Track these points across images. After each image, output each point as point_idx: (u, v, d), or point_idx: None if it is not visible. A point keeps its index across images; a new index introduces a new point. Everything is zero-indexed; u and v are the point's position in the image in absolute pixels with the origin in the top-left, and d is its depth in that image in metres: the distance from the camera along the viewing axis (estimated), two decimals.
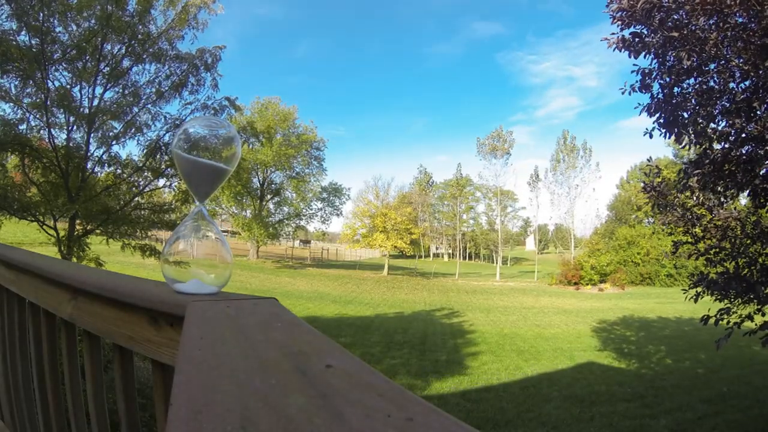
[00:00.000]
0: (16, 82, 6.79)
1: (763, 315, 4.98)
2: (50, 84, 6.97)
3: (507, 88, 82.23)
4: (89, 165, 7.62)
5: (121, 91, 7.73)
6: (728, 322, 5.16)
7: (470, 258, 62.80)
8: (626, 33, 5.07)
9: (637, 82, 5.28)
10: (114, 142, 7.65)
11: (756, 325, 4.87)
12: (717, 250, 5.28)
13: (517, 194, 56.67)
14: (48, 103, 6.88)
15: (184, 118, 7.81)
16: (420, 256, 49.67)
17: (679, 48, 4.65)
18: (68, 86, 7.21)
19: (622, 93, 5.37)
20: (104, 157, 7.63)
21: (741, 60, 4.46)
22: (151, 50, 7.57)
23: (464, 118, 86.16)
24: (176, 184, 8.12)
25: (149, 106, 7.83)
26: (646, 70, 5.20)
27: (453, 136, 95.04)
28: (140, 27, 7.40)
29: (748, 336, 4.93)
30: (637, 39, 4.99)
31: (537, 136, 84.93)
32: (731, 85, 4.75)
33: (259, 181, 33.23)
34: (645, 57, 5.12)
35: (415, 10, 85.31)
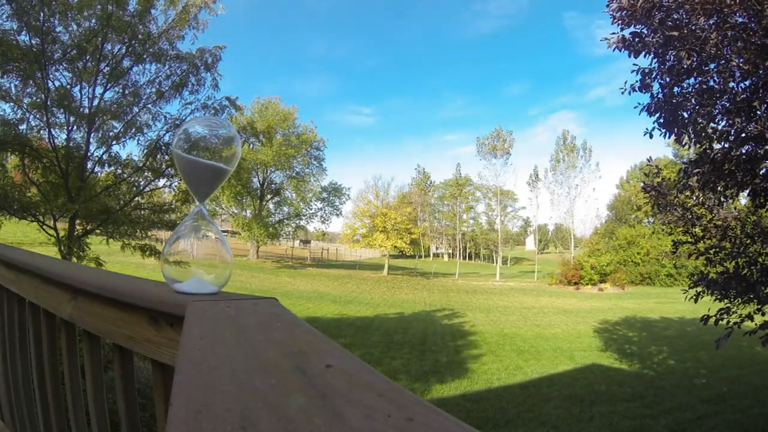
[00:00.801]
0: (17, 82, 6.80)
1: (763, 314, 4.98)
2: (50, 84, 6.98)
3: (561, 61, 69.33)
4: (89, 165, 7.62)
5: (121, 91, 7.74)
6: (728, 322, 5.16)
7: (470, 258, 62.77)
8: (626, 33, 5.07)
9: (637, 81, 5.27)
10: (114, 142, 7.65)
11: (756, 324, 4.87)
12: (717, 249, 5.28)
13: (518, 194, 56.65)
14: (48, 103, 6.88)
15: (184, 118, 7.82)
16: (420, 256, 49.65)
17: (679, 48, 4.65)
18: (68, 86, 7.21)
19: (622, 93, 5.37)
20: (104, 157, 7.63)
21: (741, 60, 4.46)
22: (151, 50, 7.57)
23: (503, 100, 73.32)
24: (176, 184, 8.12)
25: (149, 106, 7.83)
26: (646, 70, 5.19)
27: (488, 121, 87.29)
28: (140, 27, 7.40)
29: (749, 336, 4.93)
30: (637, 39, 4.99)
31: (583, 121, 72.77)
32: (731, 84, 4.75)
33: (259, 181, 33.23)
34: (645, 57, 5.12)
35: None
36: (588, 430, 5.77)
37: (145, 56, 7.60)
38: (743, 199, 5.86)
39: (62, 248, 7.03)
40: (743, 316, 5.14)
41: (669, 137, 5.26)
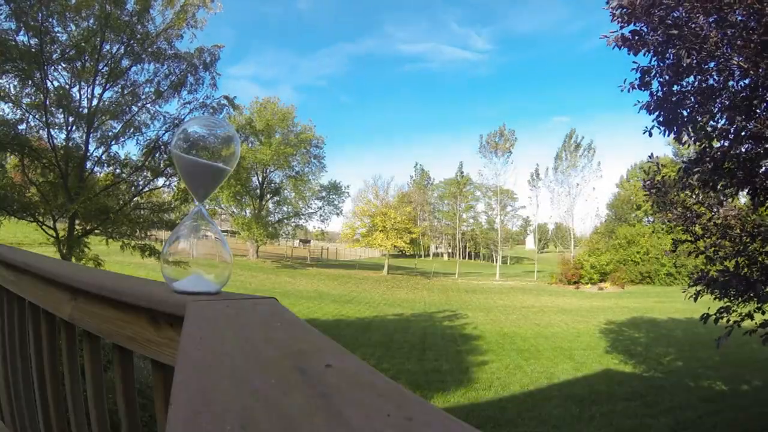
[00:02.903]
0: (15, 82, 6.79)
1: (763, 313, 4.98)
2: (49, 84, 6.97)
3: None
4: (88, 165, 7.62)
5: (120, 90, 7.73)
6: (728, 321, 5.16)
7: (470, 257, 62.76)
8: (626, 31, 5.06)
9: (636, 80, 5.27)
10: (113, 142, 7.65)
11: (756, 323, 4.87)
12: (716, 248, 5.28)
13: (517, 193, 56.49)
14: (47, 103, 6.88)
15: (182, 117, 7.81)
16: (420, 256, 49.65)
17: (678, 46, 4.64)
18: (67, 86, 7.20)
19: (621, 90, 5.37)
20: (103, 156, 7.63)
21: (740, 58, 4.46)
22: (149, 50, 7.56)
23: (507, 99, 61.44)
24: (175, 183, 8.12)
25: (148, 105, 7.83)
26: (645, 68, 5.19)
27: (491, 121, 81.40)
28: (139, 26, 7.39)
29: (749, 335, 4.93)
30: (636, 37, 4.99)
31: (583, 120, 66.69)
32: (731, 83, 4.74)
33: (259, 181, 33.20)
34: (644, 55, 5.11)
35: None
36: (588, 429, 5.78)
37: (143, 56, 7.59)
38: (743, 197, 5.86)
39: (62, 248, 7.03)
40: (743, 314, 5.14)
41: (668, 135, 5.26)
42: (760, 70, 4.24)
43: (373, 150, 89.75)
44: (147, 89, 7.81)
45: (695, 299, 5.51)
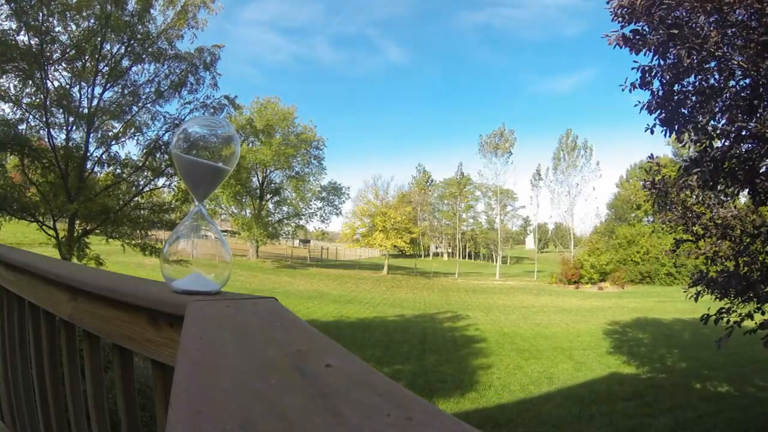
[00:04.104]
0: (16, 82, 6.80)
1: (763, 313, 4.98)
2: (50, 84, 6.98)
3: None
4: (89, 165, 7.63)
5: (120, 90, 7.75)
6: (728, 321, 5.16)
7: (470, 257, 62.71)
8: (627, 30, 5.05)
9: (637, 79, 5.26)
10: (113, 142, 7.66)
11: (756, 323, 4.87)
12: (716, 249, 5.28)
13: (517, 193, 56.30)
14: (47, 103, 6.89)
15: (183, 117, 7.82)
16: (420, 256, 49.62)
17: (679, 46, 4.64)
18: (67, 86, 7.21)
19: (622, 90, 5.36)
20: (103, 156, 7.65)
21: (741, 58, 4.45)
22: (150, 50, 7.58)
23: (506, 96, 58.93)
24: (176, 183, 8.12)
25: (148, 105, 7.85)
26: (646, 68, 5.18)
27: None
28: (140, 27, 7.40)
29: (749, 335, 4.93)
30: (637, 36, 4.98)
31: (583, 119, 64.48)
32: (731, 83, 4.74)
33: (259, 181, 33.21)
34: (645, 54, 5.11)
35: None
36: (588, 428, 5.78)
37: (144, 56, 7.60)
38: (743, 197, 5.85)
39: (62, 248, 7.04)
40: (743, 315, 5.14)
41: (669, 136, 5.25)
42: (761, 70, 4.24)
43: (380, 142, 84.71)
44: (147, 89, 7.83)
45: (695, 299, 5.51)
